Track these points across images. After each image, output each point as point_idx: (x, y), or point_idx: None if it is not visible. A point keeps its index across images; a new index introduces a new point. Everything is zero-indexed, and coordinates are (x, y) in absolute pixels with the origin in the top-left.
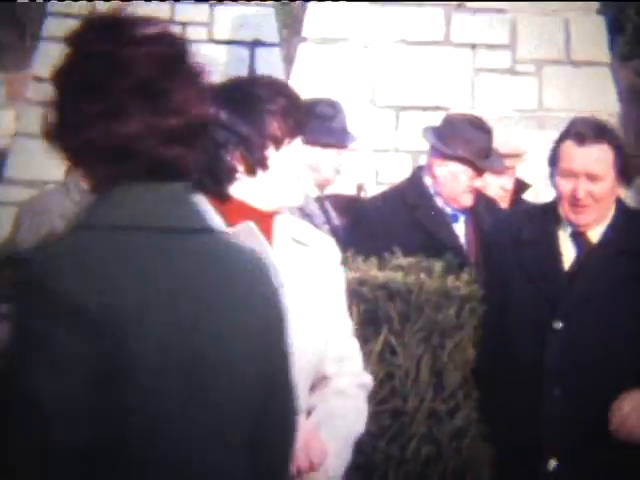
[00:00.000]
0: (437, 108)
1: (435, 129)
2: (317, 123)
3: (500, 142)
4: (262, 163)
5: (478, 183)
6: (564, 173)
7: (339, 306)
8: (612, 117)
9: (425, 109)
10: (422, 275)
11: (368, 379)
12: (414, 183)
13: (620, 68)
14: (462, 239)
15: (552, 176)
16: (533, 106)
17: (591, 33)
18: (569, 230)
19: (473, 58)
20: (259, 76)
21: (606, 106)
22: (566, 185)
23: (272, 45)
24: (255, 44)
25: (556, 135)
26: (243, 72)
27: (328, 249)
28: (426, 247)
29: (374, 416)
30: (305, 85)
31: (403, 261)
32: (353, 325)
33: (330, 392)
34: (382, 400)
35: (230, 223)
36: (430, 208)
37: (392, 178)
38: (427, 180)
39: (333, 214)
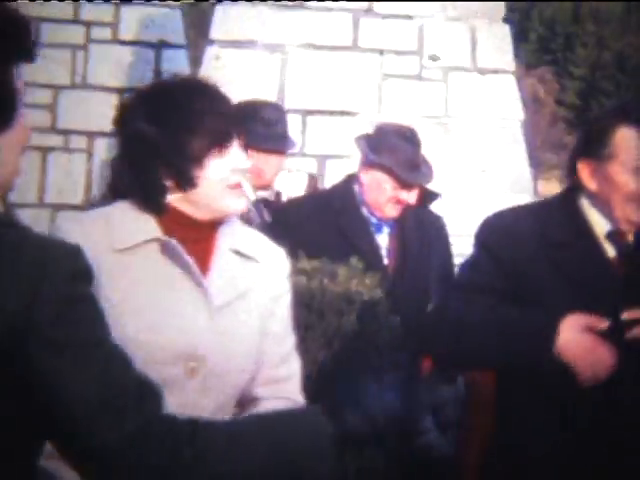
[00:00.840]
0: (344, 113)
1: (367, 137)
2: (261, 128)
3: None
4: (188, 182)
5: (404, 195)
6: (632, 168)
7: (279, 325)
8: (517, 124)
9: (332, 113)
10: (325, 280)
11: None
12: (342, 189)
13: (524, 76)
14: (383, 250)
15: (596, 169)
16: (440, 112)
17: (497, 41)
18: (605, 229)
19: (381, 63)
20: (185, 81)
21: (511, 113)
22: (637, 182)
23: (178, 47)
24: (161, 45)
25: (462, 141)
26: (148, 73)
27: (275, 262)
28: (347, 253)
29: None
30: None
31: (307, 265)
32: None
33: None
34: None
35: (168, 233)
36: (354, 214)
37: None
38: (356, 187)
39: (266, 214)
